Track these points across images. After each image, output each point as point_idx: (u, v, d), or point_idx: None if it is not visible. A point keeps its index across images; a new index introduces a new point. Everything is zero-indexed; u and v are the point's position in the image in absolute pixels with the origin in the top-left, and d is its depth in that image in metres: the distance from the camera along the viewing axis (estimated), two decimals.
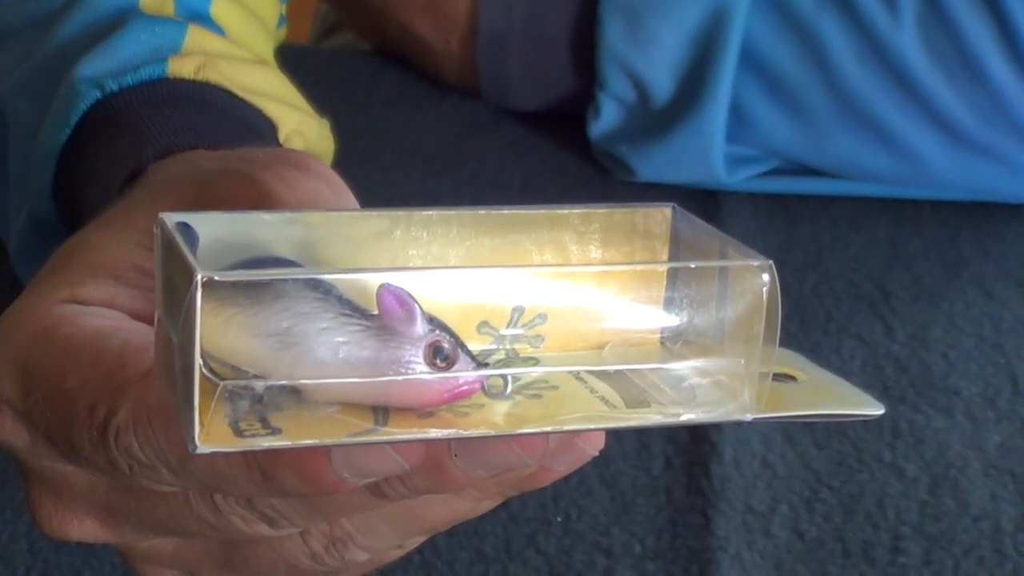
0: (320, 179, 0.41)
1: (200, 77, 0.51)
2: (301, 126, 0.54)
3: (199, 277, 0.31)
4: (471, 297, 0.35)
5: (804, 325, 0.65)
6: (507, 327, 0.36)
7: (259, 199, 0.40)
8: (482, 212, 0.36)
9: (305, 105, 0.56)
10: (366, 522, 0.37)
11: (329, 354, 0.32)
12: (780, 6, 0.69)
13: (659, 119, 0.71)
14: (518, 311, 0.36)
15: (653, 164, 0.72)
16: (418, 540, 0.40)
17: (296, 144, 0.54)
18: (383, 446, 0.32)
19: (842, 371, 0.62)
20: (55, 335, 0.37)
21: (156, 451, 0.35)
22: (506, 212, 0.36)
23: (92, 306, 0.38)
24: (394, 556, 0.40)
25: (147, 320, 0.38)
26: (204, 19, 0.57)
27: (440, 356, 0.32)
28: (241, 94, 0.52)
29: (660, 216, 0.39)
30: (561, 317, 0.36)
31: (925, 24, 0.68)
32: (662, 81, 0.71)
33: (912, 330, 0.65)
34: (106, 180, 0.48)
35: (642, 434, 0.59)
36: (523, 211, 0.36)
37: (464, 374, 0.32)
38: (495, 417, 0.33)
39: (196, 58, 0.52)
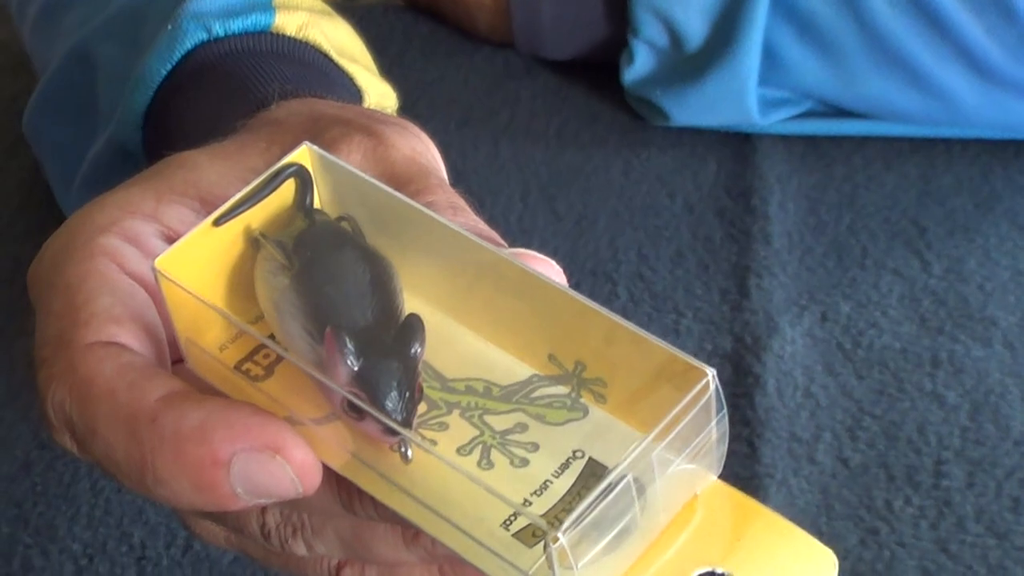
0: (425, 143, 0.42)
1: (301, 36, 0.53)
2: (383, 99, 0.55)
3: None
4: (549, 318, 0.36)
5: (841, 262, 0.66)
6: (573, 369, 0.37)
7: (376, 146, 0.41)
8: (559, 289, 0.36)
9: (373, 65, 0.58)
10: (320, 524, 0.38)
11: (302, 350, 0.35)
12: None
13: (692, 63, 0.72)
14: (580, 366, 0.36)
15: (687, 108, 0.73)
16: (358, 575, 0.40)
17: None
18: (282, 464, 0.33)
19: (882, 303, 0.63)
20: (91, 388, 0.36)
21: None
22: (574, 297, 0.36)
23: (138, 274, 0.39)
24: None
25: None
26: None
27: (352, 408, 0.34)
28: (336, 59, 0.53)
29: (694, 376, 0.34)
30: (620, 389, 0.36)
31: None
32: (695, 25, 0.71)
33: (948, 264, 0.66)
34: (214, 119, 0.48)
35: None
36: (588, 304, 0.35)
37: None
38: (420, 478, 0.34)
39: (300, 15, 0.53)
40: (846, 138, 0.73)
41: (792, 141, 0.73)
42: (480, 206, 0.42)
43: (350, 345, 0.33)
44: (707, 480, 0.35)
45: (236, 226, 0.37)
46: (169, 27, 0.53)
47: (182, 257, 0.36)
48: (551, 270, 0.37)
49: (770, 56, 0.71)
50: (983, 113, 0.72)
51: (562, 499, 0.34)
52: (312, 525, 0.38)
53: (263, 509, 0.38)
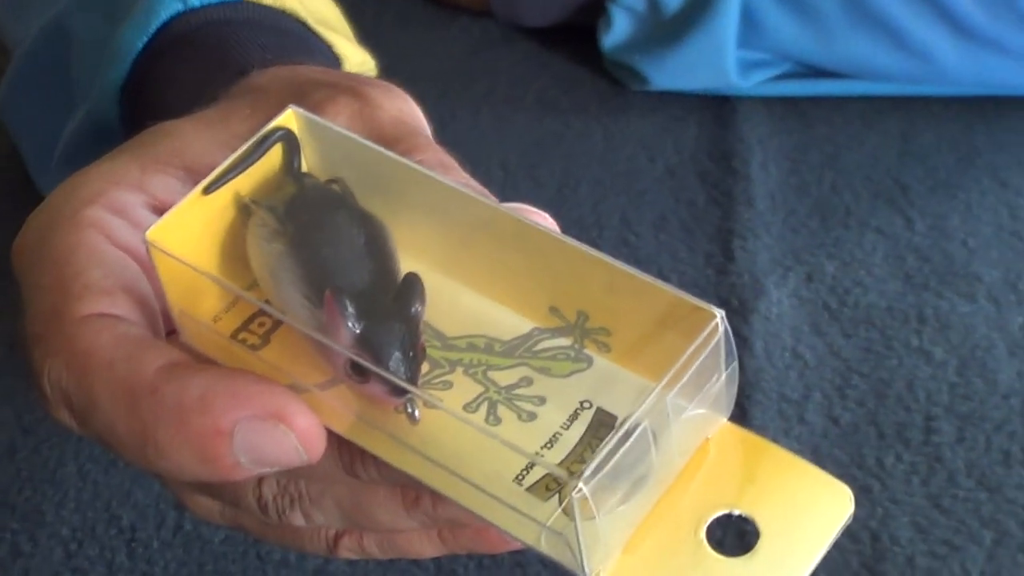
0: (410, 103, 0.42)
1: (278, 4, 0.52)
2: (363, 67, 0.55)
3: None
4: (544, 270, 0.36)
5: (825, 222, 0.66)
6: (575, 321, 0.36)
7: (362, 108, 0.40)
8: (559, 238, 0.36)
9: (351, 33, 0.57)
10: (319, 493, 0.38)
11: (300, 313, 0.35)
12: None
13: (671, 27, 0.72)
14: (583, 316, 0.36)
15: (666, 72, 0.72)
16: (357, 544, 0.40)
17: None
18: (286, 431, 0.33)
19: (866, 262, 0.63)
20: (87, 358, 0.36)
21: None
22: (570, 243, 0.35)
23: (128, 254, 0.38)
24: (324, 547, 0.40)
25: None
26: None
27: (355, 371, 0.33)
28: (314, 26, 0.53)
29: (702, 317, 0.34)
30: (624, 338, 0.36)
31: None
32: None
33: (931, 221, 0.66)
34: (194, 89, 0.48)
35: None
36: (588, 251, 0.35)
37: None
38: (429, 435, 0.34)
39: None
40: (826, 98, 0.73)
41: (772, 103, 0.73)
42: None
43: (351, 307, 0.33)
44: (718, 423, 0.34)
45: (225, 194, 0.37)
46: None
47: (173, 228, 0.35)
48: (546, 222, 0.37)
49: (748, 18, 0.71)
50: (962, 70, 0.72)
51: (573, 450, 0.34)
52: (310, 494, 0.38)
53: (259, 480, 0.38)
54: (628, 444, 0.31)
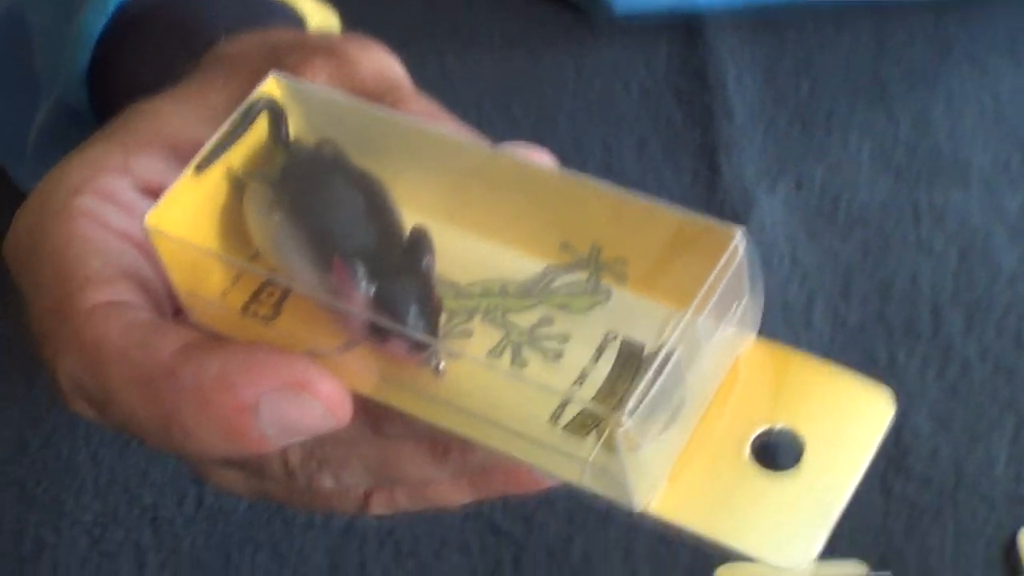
0: (387, 55, 0.41)
1: None
2: (325, 22, 0.54)
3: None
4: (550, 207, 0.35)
5: (806, 128, 0.65)
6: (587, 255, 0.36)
7: (339, 66, 0.40)
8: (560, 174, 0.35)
9: None
10: (345, 454, 0.37)
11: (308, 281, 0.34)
12: None
13: None
14: (596, 248, 0.35)
15: None
16: (387, 500, 0.39)
17: None
18: (311, 399, 0.33)
19: (853, 163, 0.62)
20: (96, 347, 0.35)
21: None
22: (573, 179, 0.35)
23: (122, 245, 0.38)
24: (354, 507, 0.40)
25: None
26: None
27: (374, 331, 0.33)
28: None
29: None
30: (641, 265, 0.35)
31: None
32: None
33: (914, 114, 0.65)
34: (162, 65, 0.47)
35: None
36: (595, 183, 0.35)
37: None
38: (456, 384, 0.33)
39: None
40: (794, 5, 0.72)
41: (740, 15, 0.72)
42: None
43: (361, 269, 0.32)
44: (748, 340, 0.34)
45: (217, 170, 0.36)
46: None
47: (170, 210, 0.35)
48: (544, 159, 0.36)
49: None
50: None
51: (604, 385, 0.33)
52: (337, 456, 0.37)
53: (284, 448, 0.37)
54: (664, 374, 0.31)
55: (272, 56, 0.41)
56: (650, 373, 0.31)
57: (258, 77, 0.40)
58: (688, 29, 0.72)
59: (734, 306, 0.33)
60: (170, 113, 0.40)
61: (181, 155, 0.39)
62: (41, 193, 0.39)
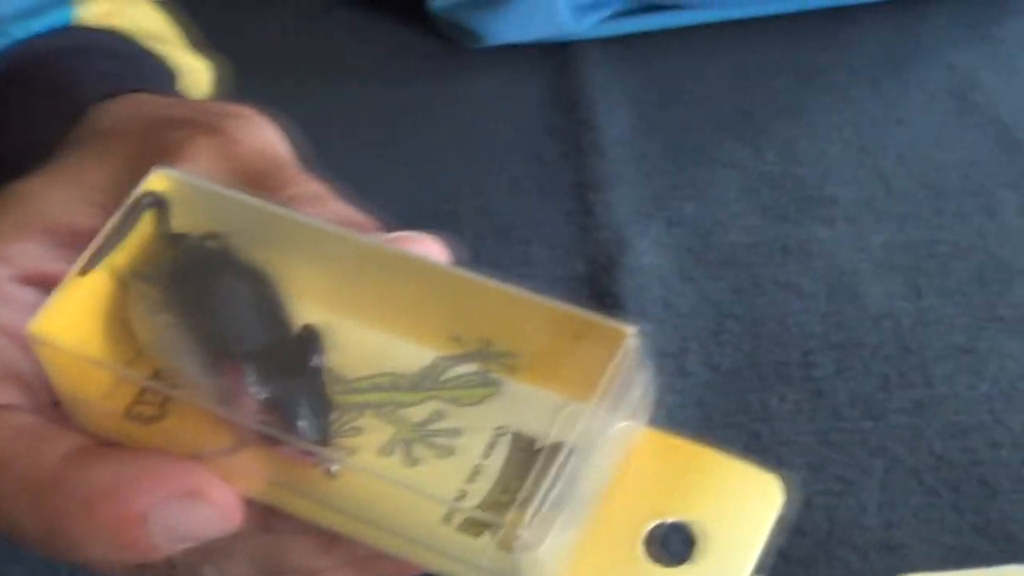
0: (271, 130, 0.40)
1: (105, 25, 0.50)
2: (198, 75, 0.53)
3: None
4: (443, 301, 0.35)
5: (677, 162, 0.66)
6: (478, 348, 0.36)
7: (222, 145, 0.39)
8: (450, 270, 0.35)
9: (181, 40, 0.55)
10: (230, 547, 0.37)
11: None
12: None
13: None
14: (486, 342, 0.36)
15: (500, 26, 0.71)
16: None
17: (196, 92, 0.53)
18: (203, 506, 0.33)
19: (721, 200, 0.63)
20: None
21: None
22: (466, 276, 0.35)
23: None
24: None
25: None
26: None
27: (266, 436, 0.33)
28: (144, 43, 0.51)
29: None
30: (530, 359, 0.35)
31: None
32: None
33: (780, 147, 0.66)
34: (31, 131, 0.46)
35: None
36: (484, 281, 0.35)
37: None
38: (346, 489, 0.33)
39: (100, 4, 0.51)
40: (660, 32, 0.73)
41: (609, 43, 0.72)
42: (310, 160, 0.41)
43: (253, 374, 0.32)
44: (639, 431, 0.34)
45: (101, 269, 0.35)
46: None
47: (53, 316, 0.34)
48: (432, 248, 0.36)
49: None
50: None
51: (498, 481, 0.33)
52: (221, 550, 0.37)
53: None
54: (563, 474, 0.31)
55: (151, 131, 0.41)
56: (550, 476, 0.31)
57: (137, 153, 0.40)
58: (558, 60, 0.72)
59: (628, 399, 0.34)
60: (47, 196, 0.39)
61: (59, 240, 0.38)
62: None
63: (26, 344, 0.37)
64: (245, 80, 0.72)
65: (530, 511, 0.31)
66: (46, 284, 0.39)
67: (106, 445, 0.34)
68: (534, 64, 0.72)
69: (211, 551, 0.37)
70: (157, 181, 0.36)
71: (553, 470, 0.31)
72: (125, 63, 0.51)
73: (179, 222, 0.37)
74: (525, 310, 0.34)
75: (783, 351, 0.57)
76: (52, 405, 0.36)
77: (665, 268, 0.61)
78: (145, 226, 0.36)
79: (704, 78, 0.70)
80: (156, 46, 0.53)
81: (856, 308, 0.58)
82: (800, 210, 0.63)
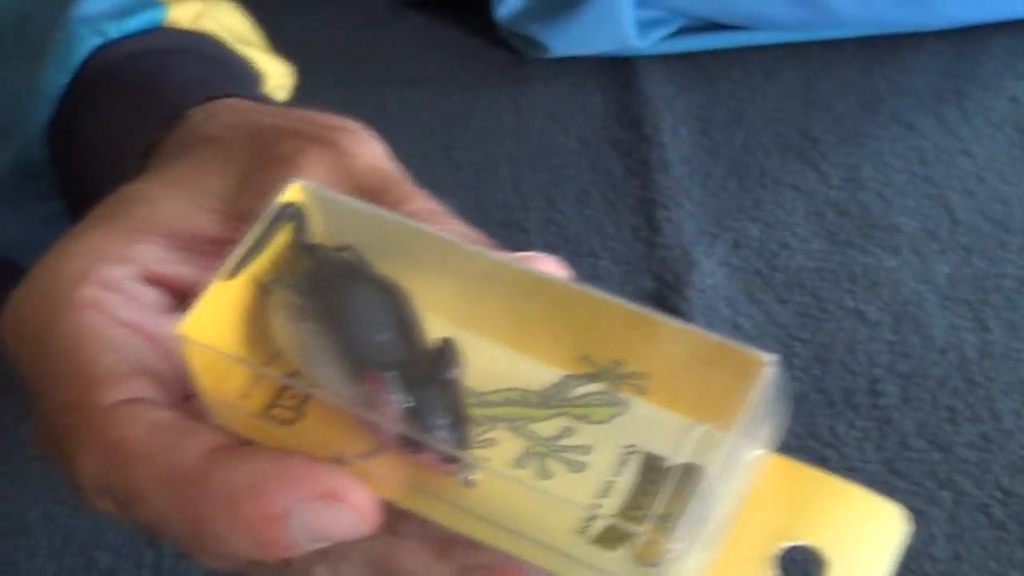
0: (379, 145, 0.41)
1: (197, 27, 0.51)
2: (282, 78, 0.54)
3: None
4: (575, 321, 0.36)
5: (742, 182, 0.67)
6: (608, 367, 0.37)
7: (336, 159, 0.39)
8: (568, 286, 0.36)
9: (263, 43, 0.56)
10: (349, 547, 0.37)
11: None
12: None
13: None
14: (616, 362, 0.36)
15: (565, 38, 0.72)
16: None
17: (279, 96, 0.53)
18: (343, 508, 0.33)
19: (787, 223, 0.64)
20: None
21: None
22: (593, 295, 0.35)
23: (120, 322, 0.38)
24: None
25: (190, 286, 0.39)
26: None
27: (407, 443, 0.34)
28: (233, 46, 0.51)
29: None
30: (661, 381, 0.36)
31: None
32: None
33: (845, 172, 0.67)
34: (127, 128, 0.47)
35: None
36: (618, 302, 0.35)
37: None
38: (479, 498, 0.34)
39: (192, 5, 0.51)
40: (724, 51, 0.73)
41: (672, 60, 0.73)
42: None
43: (396, 382, 0.33)
44: (768, 457, 0.35)
45: (241, 276, 0.36)
46: (61, 34, 0.50)
47: (200, 318, 0.35)
48: (554, 268, 0.37)
49: None
50: (853, 11, 0.73)
51: (629, 497, 0.34)
52: (338, 550, 0.38)
53: None
54: (707, 497, 0.32)
55: (263, 141, 0.41)
56: (696, 496, 0.32)
57: (251, 162, 0.40)
58: (621, 75, 0.72)
59: (763, 426, 0.34)
60: (164, 200, 0.40)
61: (177, 244, 0.39)
62: (39, 281, 0.38)
63: (155, 341, 0.37)
64: (309, 83, 0.73)
65: (680, 525, 0.32)
66: (166, 286, 0.39)
67: (246, 444, 0.35)
68: (597, 77, 0.72)
69: (328, 551, 0.38)
70: (296, 192, 0.37)
71: (697, 491, 0.32)
72: (216, 66, 0.51)
73: (311, 231, 0.38)
74: (658, 332, 0.35)
75: (851, 377, 0.58)
76: (182, 401, 0.37)
77: (732, 288, 0.61)
78: (280, 236, 0.37)
79: (768, 99, 0.71)
80: (243, 49, 0.53)
81: (921, 338, 0.59)
82: (866, 237, 0.64)
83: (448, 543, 0.37)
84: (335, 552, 0.38)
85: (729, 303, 0.61)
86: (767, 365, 0.34)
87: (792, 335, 0.60)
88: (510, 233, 0.65)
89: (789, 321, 0.60)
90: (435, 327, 0.36)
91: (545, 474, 0.35)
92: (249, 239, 0.36)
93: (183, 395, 0.37)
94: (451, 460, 0.33)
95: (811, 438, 0.56)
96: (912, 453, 0.55)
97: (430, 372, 0.34)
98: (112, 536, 0.53)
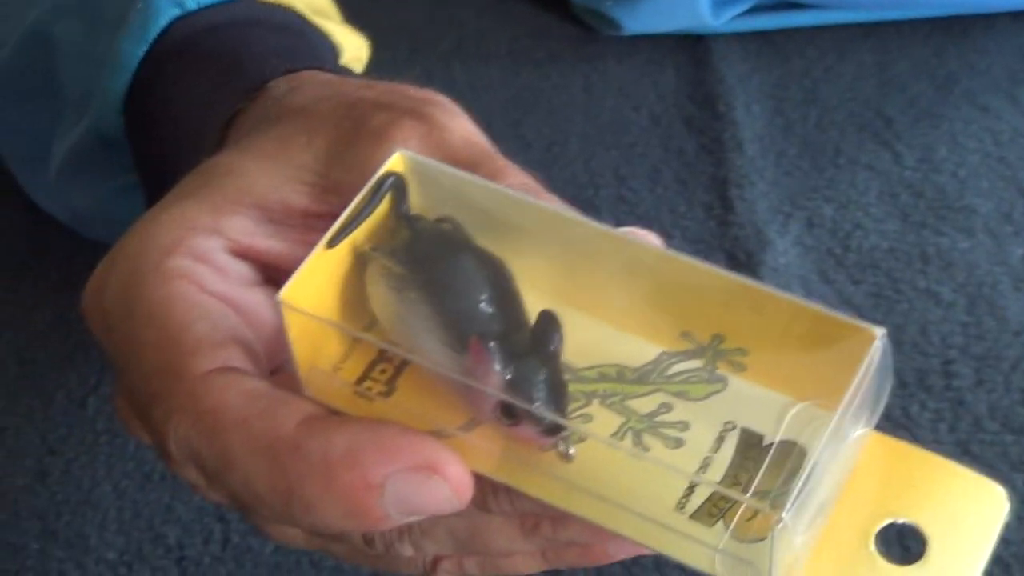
0: (468, 119, 0.41)
1: None
2: (359, 51, 0.54)
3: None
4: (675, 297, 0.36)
5: (815, 162, 0.66)
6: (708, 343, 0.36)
7: (429, 132, 0.40)
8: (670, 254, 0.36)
9: (339, 15, 0.56)
10: (432, 523, 0.38)
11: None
12: None
13: None
14: (718, 338, 0.36)
15: (639, 16, 0.72)
16: (455, 567, 0.40)
17: (356, 68, 0.54)
18: (438, 482, 0.33)
19: (860, 204, 0.63)
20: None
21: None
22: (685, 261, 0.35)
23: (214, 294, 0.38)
24: (419, 571, 0.40)
25: (279, 260, 0.39)
26: None
27: (506, 415, 0.34)
28: (311, 17, 0.52)
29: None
30: (761, 357, 0.36)
31: None
32: None
33: (919, 153, 0.66)
34: (206, 98, 0.47)
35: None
36: (726, 275, 0.35)
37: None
38: (574, 474, 0.34)
39: None
40: (798, 30, 0.73)
41: (745, 39, 0.73)
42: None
43: (499, 352, 0.33)
44: (869, 435, 0.35)
45: (342, 245, 0.36)
46: (139, 5, 0.51)
47: (301, 285, 0.35)
48: (657, 242, 0.37)
49: None
50: None
51: (728, 472, 0.34)
52: (422, 526, 0.38)
53: None
54: (815, 472, 0.32)
55: (354, 114, 0.41)
56: (806, 471, 0.32)
57: (341, 135, 0.40)
58: (695, 53, 0.72)
59: (869, 404, 0.34)
60: (254, 172, 0.40)
61: (269, 216, 0.39)
62: (128, 250, 0.39)
63: (243, 313, 0.38)
64: (383, 58, 0.73)
65: (790, 499, 0.31)
66: (254, 259, 0.40)
67: (340, 415, 0.35)
68: (670, 55, 0.72)
69: (410, 528, 0.38)
70: (398, 162, 0.37)
71: (804, 468, 0.32)
72: (296, 37, 0.51)
73: (412, 203, 0.38)
74: (762, 304, 0.35)
75: (924, 359, 0.58)
76: (272, 373, 0.37)
77: (806, 268, 0.61)
78: (381, 206, 0.37)
79: (841, 79, 0.71)
80: (320, 22, 0.53)
81: (996, 320, 0.59)
82: (939, 218, 0.63)
83: (535, 519, 0.37)
84: (418, 528, 0.38)
85: (802, 282, 0.61)
86: (878, 338, 0.33)
87: (865, 315, 0.59)
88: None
89: (862, 302, 0.60)
90: (533, 300, 0.35)
91: (644, 449, 0.35)
92: (352, 207, 0.36)
93: (270, 368, 0.38)
94: (552, 432, 0.33)
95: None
96: (985, 435, 0.55)
97: (531, 344, 0.34)
98: (181, 510, 0.54)
